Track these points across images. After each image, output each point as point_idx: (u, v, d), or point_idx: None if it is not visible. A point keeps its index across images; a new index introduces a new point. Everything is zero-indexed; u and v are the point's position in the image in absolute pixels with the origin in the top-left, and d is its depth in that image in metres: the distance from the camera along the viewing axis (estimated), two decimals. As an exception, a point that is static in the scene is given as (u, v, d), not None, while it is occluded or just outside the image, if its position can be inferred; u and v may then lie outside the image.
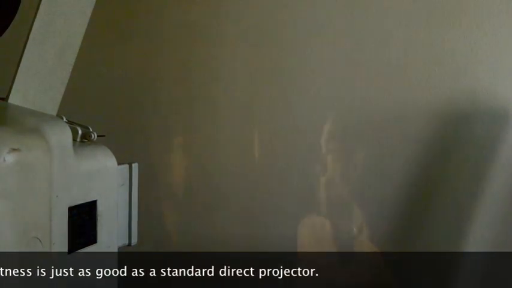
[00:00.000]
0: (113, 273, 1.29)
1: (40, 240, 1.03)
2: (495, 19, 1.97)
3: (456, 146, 2.02)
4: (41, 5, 1.22)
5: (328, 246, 2.12)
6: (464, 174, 2.01)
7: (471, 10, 1.98)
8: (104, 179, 1.24)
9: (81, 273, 1.17)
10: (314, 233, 2.13)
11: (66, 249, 1.11)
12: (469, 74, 1.99)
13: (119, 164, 1.30)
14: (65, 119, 1.23)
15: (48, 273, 1.05)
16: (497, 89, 1.98)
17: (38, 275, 1.02)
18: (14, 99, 1.19)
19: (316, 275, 2.15)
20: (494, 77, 1.98)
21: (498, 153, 1.98)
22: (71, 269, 1.13)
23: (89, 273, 1.20)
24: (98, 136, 1.28)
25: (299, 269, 2.16)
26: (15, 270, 0.98)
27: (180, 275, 2.23)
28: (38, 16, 1.21)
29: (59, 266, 1.08)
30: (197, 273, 2.21)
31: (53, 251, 1.06)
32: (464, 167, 2.01)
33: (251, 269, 2.19)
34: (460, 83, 2.00)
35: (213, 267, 2.20)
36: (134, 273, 2.19)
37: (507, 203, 1.99)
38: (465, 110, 2.01)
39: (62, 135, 1.10)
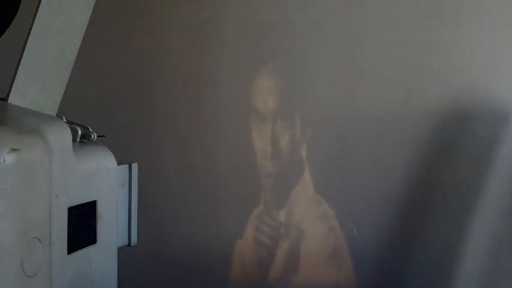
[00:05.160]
0: (112, 274, 1.29)
1: (40, 240, 1.03)
2: (495, 19, 1.97)
3: (456, 145, 2.02)
4: (41, 5, 1.22)
5: (328, 246, 2.12)
6: (464, 174, 2.01)
7: (471, 10, 1.98)
8: (103, 179, 1.25)
9: (81, 274, 1.16)
10: (313, 233, 2.13)
11: (66, 250, 1.11)
12: (469, 74, 1.99)
13: (118, 164, 1.31)
14: (64, 119, 1.23)
15: (48, 273, 1.05)
16: (497, 89, 1.98)
17: (38, 275, 1.02)
18: (14, 99, 1.19)
19: (316, 275, 2.15)
20: (494, 77, 1.98)
21: (498, 152, 1.98)
22: (71, 269, 1.13)
23: (89, 274, 1.20)
24: (97, 136, 1.28)
25: (300, 269, 2.16)
26: (15, 271, 0.98)
27: (179, 275, 2.23)
28: (38, 16, 1.22)
29: (59, 266, 1.08)
30: (197, 274, 2.21)
31: (52, 251, 1.06)
32: (464, 167, 2.01)
33: (251, 270, 2.19)
34: (460, 83, 2.00)
35: (213, 268, 2.20)
36: (134, 274, 2.19)
37: (507, 203, 1.99)
38: (465, 110, 2.01)
39: (61, 135, 1.10)
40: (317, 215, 2.12)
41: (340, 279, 2.12)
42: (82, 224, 1.17)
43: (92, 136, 1.27)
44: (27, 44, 1.20)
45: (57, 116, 1.24)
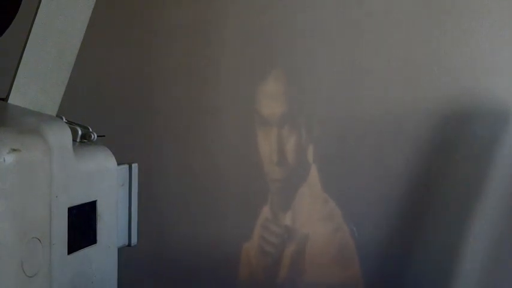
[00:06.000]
0: (112, 274, 1.29)
1: (40, 240, 1.03)
2: (495, 19, 1.97)
3: (456, 145, 2.02)
4: (41, 5, 1.22)
5: (328, 247, 2.12)
6: (464, 174, 2.01)
7: (471, 10, 1.98)
8: (103, 179, 1.25)
9: (81, 274, 1.17)
10: (313, 234, 2.13)
11: (66, 250, 1.11)
12: (469, 74, 1.99)
13: (118, 164, 1.31)
14: (64, 119, 1.23)
15: (48, 273, 1.05)
16: (497, 89, 1.98)
17: (38, 275, 1.02)
18: (14, 99, 1.19)
19: (317, 276, 2.15)
20: (494, 77, 1.98)
21: (498, 152, 1.98)
22: (71, 269, 1.13)
23: (89, 274, 1.20)
24: (98, 136, 1.28)
25: (299, 270, 2.16)
26: (15, 271, 0.98)
27: (179, 275, 2.23)
28: (38, 16, 1.22)
29: (59, 266, 1.08)
30: (197, 274, 2.21)
31: (52, 251, 1.06)
32: (464, 167, 2.01)
33: (253, 270, 2.19)
34: (460, 83, 2.00)
35: (213, 268, 2.20)
36: (134, 274, 2.19)
37: (507, 203, 1.98)
38: (465, 110, 2.01)
39: (61, 135, 1.10)
40: (319, 214, 2.12)
41: (341, 279, 2.12)
42: (82, 224, 1.18)
43: (92, 136, 1.27)
44: (27, 44, 1.20)
45: (57, 116, 1.25)
